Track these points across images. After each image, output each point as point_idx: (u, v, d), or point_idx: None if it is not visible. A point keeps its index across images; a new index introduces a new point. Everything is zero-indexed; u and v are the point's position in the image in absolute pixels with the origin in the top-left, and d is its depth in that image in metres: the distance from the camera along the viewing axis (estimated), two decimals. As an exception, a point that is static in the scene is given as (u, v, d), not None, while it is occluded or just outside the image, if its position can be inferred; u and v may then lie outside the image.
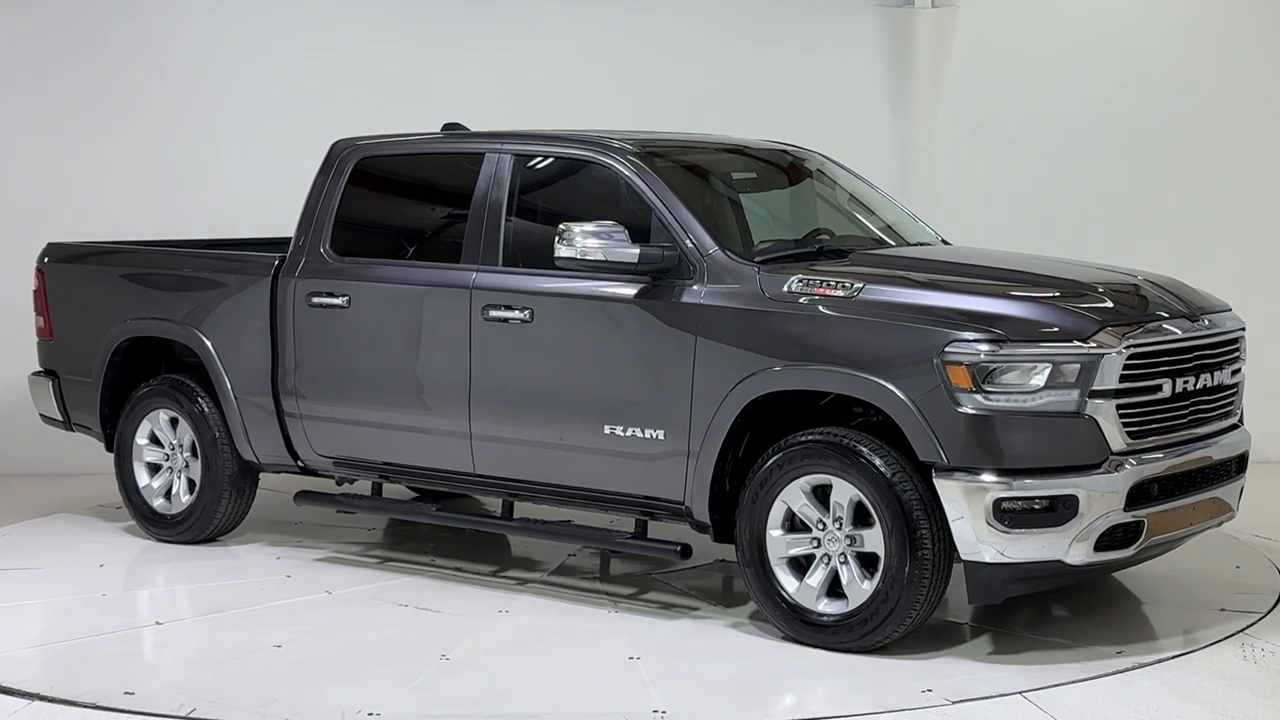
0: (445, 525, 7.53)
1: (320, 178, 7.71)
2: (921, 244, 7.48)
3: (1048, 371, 5.87)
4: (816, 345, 6.19)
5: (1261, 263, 10.25)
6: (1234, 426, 6.63)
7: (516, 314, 6.89)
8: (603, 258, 6.49)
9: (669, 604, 6.86)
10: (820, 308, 6.22)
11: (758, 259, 6.57)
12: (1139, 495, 6.01)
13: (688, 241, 6.57)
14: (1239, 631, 6.38)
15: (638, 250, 6.49)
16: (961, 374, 5.86)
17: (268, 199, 9.65)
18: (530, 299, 6.89)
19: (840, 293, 6.23)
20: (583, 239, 6.50)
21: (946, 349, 5.88)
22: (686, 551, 6.62)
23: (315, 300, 7.50)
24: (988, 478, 5.84)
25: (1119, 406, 5.94)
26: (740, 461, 6.48)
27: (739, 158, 7.62)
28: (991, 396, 5.85)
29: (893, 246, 7.37)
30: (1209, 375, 6.32)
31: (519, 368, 6.95)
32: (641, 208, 6.73)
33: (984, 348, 5.85)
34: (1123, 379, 5.95)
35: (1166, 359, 6.13)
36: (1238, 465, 6.61)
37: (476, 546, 7.79)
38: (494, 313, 6.96)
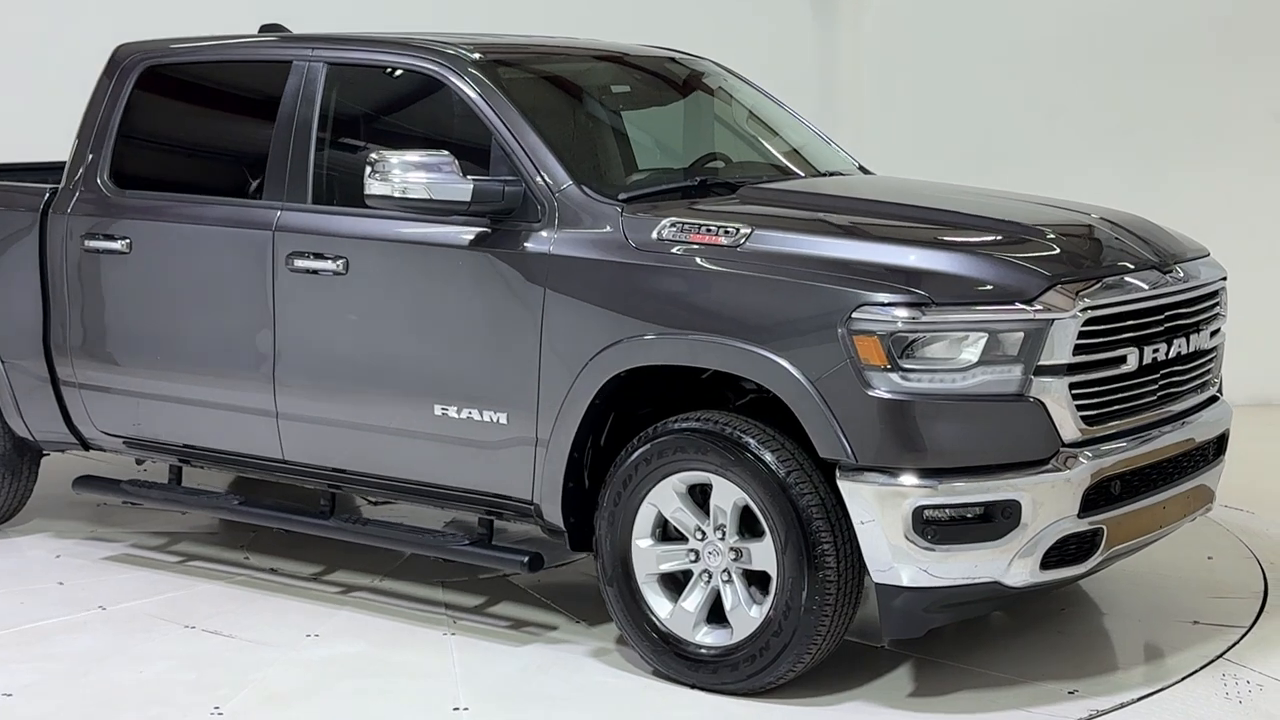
0: (249, 523, 6.20)
1: (99, 91, 6.26)
2: (834, 174, 6.14)
3: (983, 343, 4.56)
4: (691, 308, 4.86)
5: (1234, 181, 8.98)
6: (1213, 399, 5.38)
7: (328, 264, 5.53)
8: (427, 196, 5.11)
9: (521, 620, 5.56)
10: (697, 260, 4.88)
11: (623, 197, 5.23)
12: (1097, 496, 4.74)
13: (536, 176, 5.21)
14: (1218, 657, 5.15)
15: (470, 186, 5.11)
16: (873, 347, 4.56)
17: (47, 114, 7.73)
18: (344, 245, 5.52)
19: (723, 240, 4.90)
20: (401, 172, 5.12)
21: (854, 315, 4.57)
22: (536, 563, 5.30)
23: (91, 244, 6.10)
24: (907, 480, 4.55)
25: (1073, 385, 4.67)
26: (603, 452, 5.17)
27: (613, 68, 6.22)
28: (911, 376, 4.55)
29: (797, 178, 6.04)
30: (1184, 340, 5.03)
31: (331, 331, 5.59)
32: (482, 132, 5.37)
33: (902, 313, 4.54)
34: (1077, 350, 4.65)
35: (1132, 322, 4.84)
36: (1218, 446, 5.36)
37: (303, 539, 6.43)
38: (300, 262, 5.59)
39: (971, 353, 4.57)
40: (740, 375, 4.81)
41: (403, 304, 5.42)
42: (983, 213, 5.19)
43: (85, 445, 6.38)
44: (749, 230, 4.90)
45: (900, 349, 4.55)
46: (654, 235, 4.99)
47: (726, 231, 4.92)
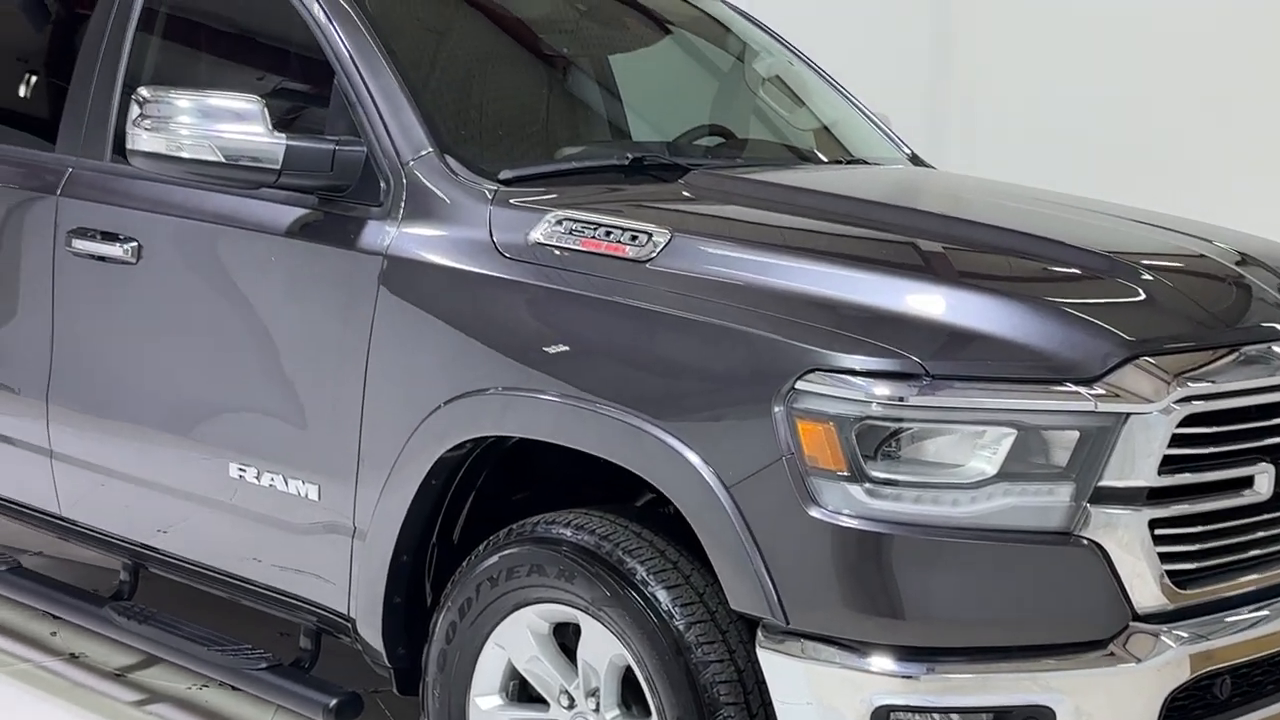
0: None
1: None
2: (863, 162, 4.36)
3: (1007, 444, 2.76)
4: (561, 353, 3.15)
5: None
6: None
7: (116, 248, 3.91)
8: (214, 158, 3.47)
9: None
10: (582, 277, 3.16)
11: (505, 176, 3.51)
12: (1193, 704, 2.93)
13: (382, 136, 3.53)
14: None
15: (281, 146, 3.44)
16: (825, 439, 2.77)
17: None
18: (139, 223, 3.88)
19: (627, 250, 3.16)
20: (181, 121, 3.48)
21: (798, 385, 2.81)
22: (350, 708, 3.63)
23: None
24: (871, 661, 2.79)
25: (1157, 521, 2.86)
26: (455, 555, 3.49)
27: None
28: (886, 491, 2.77)
29: (808, 165, 4.27)
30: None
31: (114, 346, 3.97)
32: (328, 74, 3.70)
33: (878, 388, 2.77)
34: (1167, 464, 2.84)
35: (1263, 423, 3.00)
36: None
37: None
38: (82, 244, 3.97)
39: (988, 459, 2.77)
40: (623, 465, 3.07)
41: (198, 312, 3.78)
42: (1045, 233, 3.33)
43: None
44: (667, 237, 3.15)
45: (871, 446, 2.77)
46: (529, 237, 3.26)
47: (634, 237, 3.17)
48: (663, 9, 4.64)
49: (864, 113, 4.70)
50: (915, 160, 4.57)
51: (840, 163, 4.30)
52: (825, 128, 4.57)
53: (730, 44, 4.74)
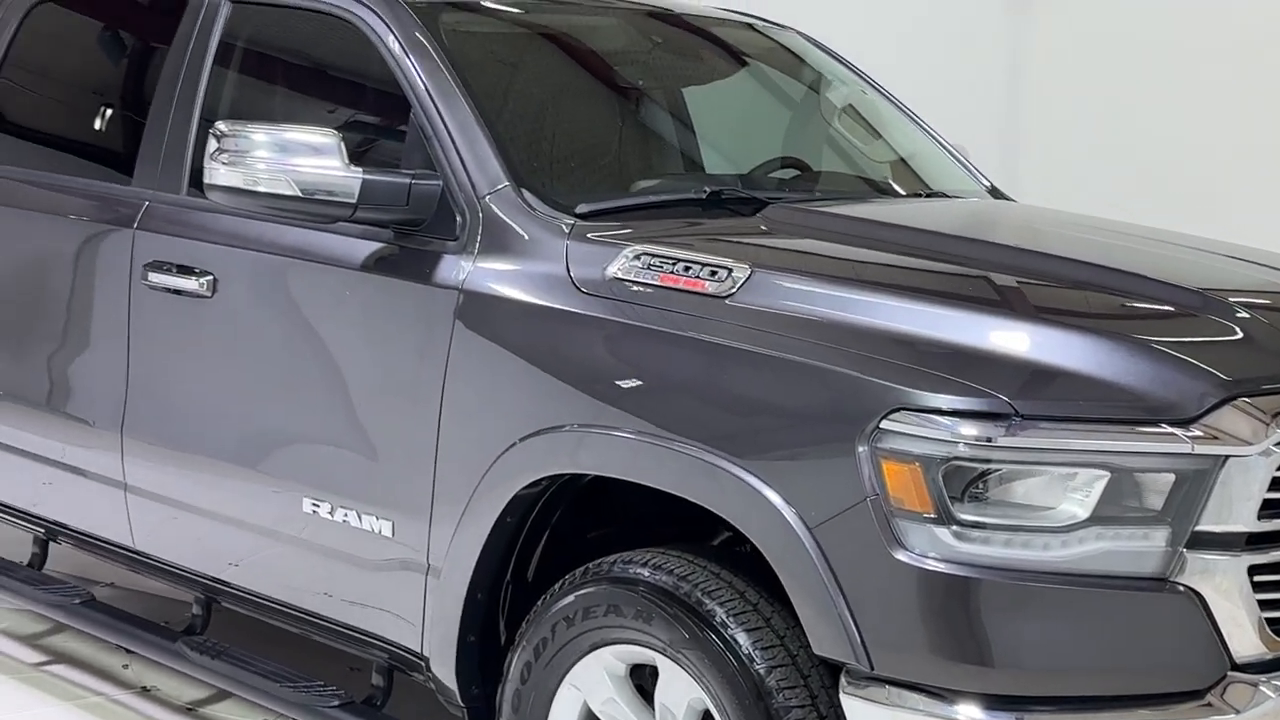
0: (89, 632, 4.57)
1: (-19, 35, 4.78)
2: (942, 195, 4.28)
3: (1100, 486, 2.69)
4: (638, 388, 3.10)
5: None
6: None
7: (191, 282, 3.90)
8: (291, 191, 3.45)
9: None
10: (661, 312, 3.12)
11: (582, 210, 3.48)
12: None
13: (458, 169, 3.51)
14: None
15: (358, 180, 3.42)
16: (912, 480, 2.71)
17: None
18: (215, 256, 3.88)
19: (706, 285, 3.12)
20: (257, 155, 3.46)
21: (884, 424, 2.75)
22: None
23: (-63, 236, 4.61)
24: (961, 711, 2.71)
25: (1257, 569, 2.78)
26: (530, 593, 3.44)
27: (644, 28, 4.41)
28: (974, 534, 2.70)
29: (885, 198, 4.21)
30: None
31: (189, 379, 3.96)
32: (406, 107, 3.68)
33: (966, 428, 2.71)
34: (1268, 508, 2.76)
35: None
36: None
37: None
38: (158, 277, 3.98)
39: (1080, 502, 2.70)
40: (700, 503, 3.01)
41: (272, 346, 3.76)
42: (1134, 268, 3.26)
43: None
44: (747, 272, 3.10)
45: (959, 487, 2.70)
46: (607, 272, 3.23)
47: (714, 272, 3.13)
48: (737, 40, 4.60)
49: (941, 144, 4.63)
50: (994, 193, 4.50)
51: (919, 195, 4.23)
52: (902, 159, 4.51)
53: (804, 75, 4.68)
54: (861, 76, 4.74)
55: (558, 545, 3.42)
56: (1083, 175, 6.60)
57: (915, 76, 5.51)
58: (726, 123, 4.61)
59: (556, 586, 3.23)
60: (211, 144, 3.48)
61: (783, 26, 4.75)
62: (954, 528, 2.70)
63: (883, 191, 4.31)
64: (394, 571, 3.51)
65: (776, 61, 4.68)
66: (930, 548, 2.71)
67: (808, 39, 4.77)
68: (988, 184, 4.54)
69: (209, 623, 4.19)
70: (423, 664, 3.51)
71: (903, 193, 4.29)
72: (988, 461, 2.70)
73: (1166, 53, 6.70)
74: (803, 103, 4.73)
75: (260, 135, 3.44)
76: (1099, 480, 2.69)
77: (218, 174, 3.47)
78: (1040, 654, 2.72)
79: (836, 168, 4.50)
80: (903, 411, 2.72)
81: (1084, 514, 2.69)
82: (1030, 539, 2.70)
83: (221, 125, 3.48)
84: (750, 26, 4.66)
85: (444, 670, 3.45)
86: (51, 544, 4.63)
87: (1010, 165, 6.38)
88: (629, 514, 3.39)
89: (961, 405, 2.71)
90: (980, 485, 2.71)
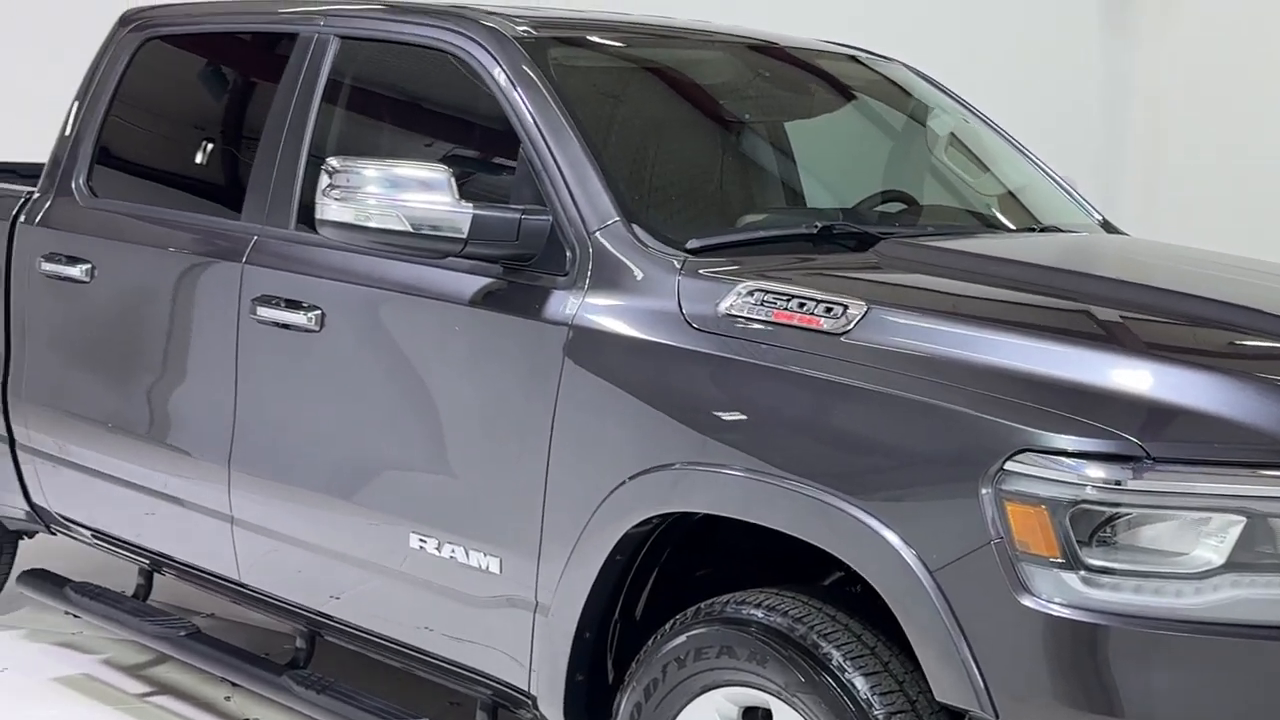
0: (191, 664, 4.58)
1: (92, 70, 4.81)
2: (1055, 229, 4.22)
3: (1236, 531, 2.62)
4: (752, 426, 3.06)
5: None
6: None
7: (300, 316, 3.91)
8: (402, 227, 3.45)
9: None
10: (776, 350, 3.07)
11: (693, 245, 3.45)
12: None
13: (568, 205, 3.49)
14: None
15: (469, 216, 3.42)
16: (1038, 524, 2.65)
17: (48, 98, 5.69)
18: (323, 291, 3.89)
19: (822, 322, 3.08)
20: (369, 190, 3.46)
21: (1008, 466, 2.69)
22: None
23: (49, 267, 4.63)
24: (1087, 762, 2.66)
25: (1404, 618, 2.69)
26: (638, 632, 3.40)
27: (747, 62, 4.39)
28: (1104, 580, 2.64)
29: (996, 233, 4.15)
30: None
31: (296, 413, 3.98)
32: (509, 141, 3.67)
33: (1094, 470, 2.64)
34: None
35: None
36: None
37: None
38: (267, 311, 3.99)
39: (1214, 548, 2.62)
40: (816, 544, 2.96)
41: (380, 381, 3.76)
42: (1262, 305, 3.17)
43: (49, 528, 4.93)
44: (863, 309, 3.05)
45: (1086, 531, 2.64)
46: (719, 308, 3.19)
47: (829, 309, 3.08)
48: (840, 72, 4.55)
49: (1051, 176, 4.56)
50: (1107, 226, 4.42)
51: (1031, 230, 4.16)
52: (1011, 193, 4.45)
53: (911, 108, 4.63)
54: (968, 108, 4.68)
55: (665, 583, 3.39)
56: (1185, 206, 6.50)
57: (1011, 105, 5.44)
58: (831, 156, 4.57)
59: (667, 626, 3.19)
60: (323, 180, 3.48)
61: (887, 58, 4.71)
62: (1082, 573, 2.64)
63: (990, 225, 4.24)
64: (501, 608, 3.48)
65: (880, 93, 4.63)
66: (1057, 593, 2.65)
67: (912, 70, 4.72)
68: (1099, 217, 4.46)
69: (312, 656, 4.20)
70: (530, 702, 3.48)
71: (1013, 227, 4.22)
72: (1117, 505, 2.63)
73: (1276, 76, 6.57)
74: (907, 135, 4.68)
75: (371, 171, 3.44)
76: (1234, 525, 2.61)
77: (329, 209, 3.47)
78: (1172, 706, 2.64)
79: (944, 201, 4.45)
80: (1028, 453, 2.66)
81: (1219, 560, 2.61)
82: (1162, 585, 2.63)
83: (333, 161, 3.49)
84: (854, 59, 4.62)
85: (552, 709, 3.41)
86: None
87: (1109, 197, 6.29)
88: (736, 553, 3.35)
89: (1089, 447, 2.64)
90: (1109, 529, 2.64)
